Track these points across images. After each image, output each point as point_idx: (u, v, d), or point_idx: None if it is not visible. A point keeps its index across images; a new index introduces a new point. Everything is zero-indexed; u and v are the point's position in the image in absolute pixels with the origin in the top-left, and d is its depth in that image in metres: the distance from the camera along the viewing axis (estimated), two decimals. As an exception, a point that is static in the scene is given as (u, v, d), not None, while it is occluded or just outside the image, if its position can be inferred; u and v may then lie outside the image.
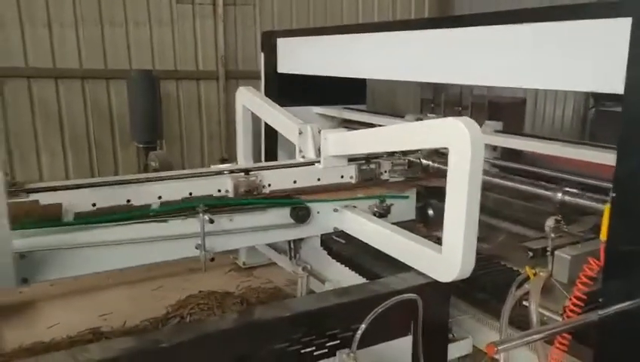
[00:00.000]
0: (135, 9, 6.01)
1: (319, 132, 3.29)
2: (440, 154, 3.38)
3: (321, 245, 3.17)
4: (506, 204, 3.20)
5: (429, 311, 2.22)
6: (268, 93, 4.46)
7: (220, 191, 2.90)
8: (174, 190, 2.80)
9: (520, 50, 2.40)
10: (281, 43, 4.49)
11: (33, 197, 2.48)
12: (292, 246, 3.36)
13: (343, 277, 2.99)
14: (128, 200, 2.69)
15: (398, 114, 4.47)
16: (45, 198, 2.51)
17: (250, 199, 2.89)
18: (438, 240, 2.37)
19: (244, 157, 4.20)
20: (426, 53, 2.98)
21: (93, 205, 2.61)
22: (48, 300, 3.73)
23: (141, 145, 5.66)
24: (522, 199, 3.12)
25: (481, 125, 2.34)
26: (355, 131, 3.34)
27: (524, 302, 2.22)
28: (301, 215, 2.91)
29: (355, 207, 3.04)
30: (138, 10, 6.02)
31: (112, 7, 5.89)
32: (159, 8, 6.14)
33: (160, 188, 2.78)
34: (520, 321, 2.28)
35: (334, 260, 3.08)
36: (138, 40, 6.07)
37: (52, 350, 3.01)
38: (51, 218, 2.47)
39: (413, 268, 2.45)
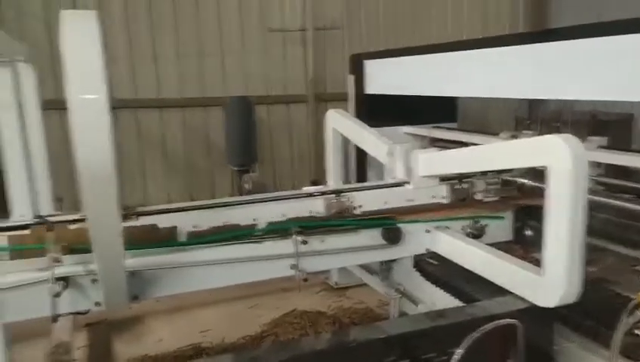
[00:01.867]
0: (229, 39, 6.36)
1: (409, 152, 3.27)
2: (536, 172, 3.25)
3: (414, 266, 3.13)
4: (613, 224, 2.99)
5: (529, 337, 2.12)
6: (357, 115, 4.51)
7: (311, 212, 2.96)
8: (269, 212, 2.90)
9: (628, 61, 2.26)
10: (369, 64, 4.54)
11: (142, 219, 2.67)
12: (384, 267, 3.34)
13: (437, 299, 2.93)
14: (225, 222, 2.82)
15: (490, 132, 4.35)
16: (151, 220, 2.69)
17: (342, 220, 2.93)
18: (537, 263, 2.27)
19: (333, 178, 4.25)
20: (522, 68, 2.89)
21: (194, 227, 2.76)
22: (154, 316, 3.96)
23: (236, 168, 5.92)
24: (631, 219, 2.91)
25: (583, 142, 2.22)
26: (448, 151, 3.28)
27: (637, 331, 2.06)
28: (393, 236, 2.89)
29: (447, 227, 2.99)
30: (232, 40, 6.37)
31: (208, 40, 6.28)
32: (251, 37, 6.45)
33: (256, 210, 2.88)
34: (632, 351, 2.11)
35: (428, 282, 3.03)
36: (232, 68, 6.40)
37: (158, 363, 3.20)
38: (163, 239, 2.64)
39: (511, 292, 2.36)
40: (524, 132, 4.13)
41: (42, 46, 5.50)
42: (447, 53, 3.51)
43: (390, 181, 3.33)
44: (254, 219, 2.86)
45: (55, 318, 2.33)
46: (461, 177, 3.23)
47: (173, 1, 6.12)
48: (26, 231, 2.50)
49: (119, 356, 3.41)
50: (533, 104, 6.00)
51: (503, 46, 3.09)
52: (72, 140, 1.64)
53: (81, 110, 1.63)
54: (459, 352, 1.95)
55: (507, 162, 2.60)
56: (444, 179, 3.17)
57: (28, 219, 2.73)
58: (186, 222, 2.75)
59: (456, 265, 2.79)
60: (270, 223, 2.82)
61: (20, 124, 2.76)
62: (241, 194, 5.59)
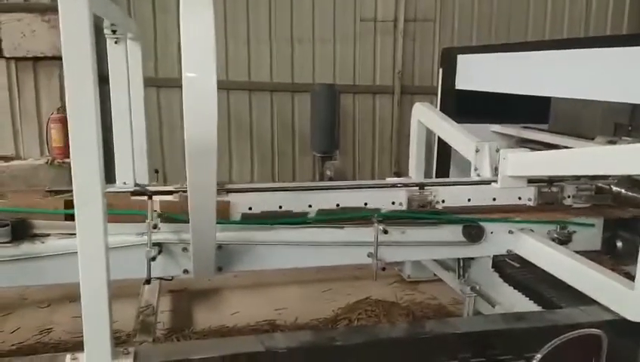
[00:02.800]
0: (322, 27, 6.44)
1: (497, 151, 3.21)
2: (635, 181, 3.08)
3: (493, 267, 3.07)
4: None
5: (614, 351, 2.04)
6: (444, 109, 4.45)
7: (393, 203, 2.99)
8: (351, 199, 2.95)
9: None
10: (462, 59, 4.46)
11: (231, 196, 2.81)
12: (461, 264, 3.30)
13: (515, 302, 2.86)
14: (310, 206, 2.90)
15: (584, 135, 4.15)
16: (239, 198, 2.83)
17: (424, 213, 2.93)
18: (627, 276, 2.17)
19: (416, 171, 4.24)
20: (628, 71, 2.75)
21: (280, 207, 2.87)
22: (232, 289, 4.14)
23: (319, 155, 6.02)
24: None
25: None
26: (539, 152, 3.19)
27: None
28: (474, 234, 2.86)
29: (532, 230, 2.91)
30: (325, 28, 6.45)
31: (301, 26, 6.39)
32: (344, 26, 6.50)
33: (338, 196, 2.95)
34: None
35: (506, 284, 2.97)
36: (322, 56, 6.49)
37: (235, 334, 3.36)
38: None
39: (596, 302, 2.28)
40: (624, 138, 3.92)
41: (147, 25, 5.84)
42: (547, 51, 3.39)
43: (475, 178, 3.29)
44: (337, 205, 2.93)
45: (148, 280, 2.51)
46: (551, 180, 3.13)
47: (271, -15, 6.28)
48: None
49: (198, 323, 3.60)
50: (636, 110, 5.64)
51: (608, 47, 2.94)
52: (184, 114, 1.75)
53: (194, 87, 1.74)
54: (537, 357, 1.91)
55: (604, 168, 2.49)
56: (531, 180, 3.10)
57: (129, 186, 2.96)
58: (271, 202, 2.87)
59: (537, 269, 2.72)
60: (354, 209, 2.87)
61: (127, 98, 2.97)
62: (322, 181, 5.69)
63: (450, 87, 4.56)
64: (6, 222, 2.46)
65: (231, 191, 2.87)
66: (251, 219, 2.79)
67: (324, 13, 6.42)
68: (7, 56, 5.57)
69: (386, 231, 2.71)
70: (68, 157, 5.64)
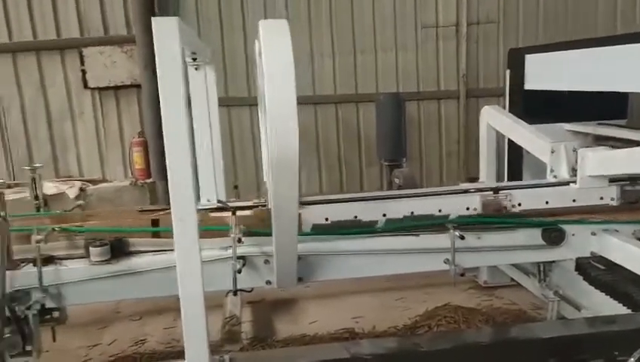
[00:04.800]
0: (384, 36, 6.51)
1: (574, 150, 3.14)
2: None
3: (576, 270, 3.00)
4: None
5: None
6: (513, 111, 4.38)
7: (468, 209, 2.98)
8: (424, 206, 2.98)
9: None
10: (530, 59, 4.38)
11: (306, 208, 2.91)
12: (542, 268, 3.24)
13: (603, 305, 2.78)
14: (384, 214, 2.95)
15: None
16: (314, 210, 2.92)
17: (500, 218, 2.91)
18: None
19: (487, 176, 4.19)
20: None
21: (355, 217, 2.94)
22: (308, 299, 4.24)
23: (386, 163, 6.06)
24: None
25: None
26: (621, 149, 3.08)
27: None
28: (554, 237, 2.81)
29: (616, 231, 2.82)
30: (386, 37, 6.50)
31: (363, 37, 6.48)
32: (405, 34, 6.53)
33: (411, 204, 2.98)
34: None
35: (592, 287, 2.89)
36: (385, 65, 6.54)
37: (317, 343, 3.44)
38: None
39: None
40: None
41: (216, 47, 6.12)
42: (623, 45, 3.28)
43: (552, 180, 3.23)
44: (411, 213, 2.96)
45: (235, 292, 2.64)
46: (634, 178, 3.03)
47: (330, 0, 6.41)
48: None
49: (279, 333, 3.72)
50: None
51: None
52: (267, 132, 1.86)
53: (276, 108, 1.85)
54: (631, 361, 1.87)
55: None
56: (612, 179, 3.00)
57: (213, 203, 3.13)
58: (346, 213, 2.94)
59: (624, 270, 2.63)
60: (427, 217, 2.90)
61: (207, 120, 3.14)
62: (390, 190, 5.71)
63: (518, 88, 4.49)
64: (105, 241, 2.66)
65: (306, 204, 2.97)
66: (328, 230, 2.87)
67: (385, 22, 6.48)
68: (92, 86, 5.99)
69: (462, 237, 2.71)
70: (149, 178, 6.01)
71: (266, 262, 2.70)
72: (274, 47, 1.85)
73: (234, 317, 3.59)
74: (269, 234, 2.33)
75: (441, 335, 2.60)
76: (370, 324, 3.75)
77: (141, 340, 3.69)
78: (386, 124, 5.93)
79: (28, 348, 2.55)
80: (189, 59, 2.94)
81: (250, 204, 3.05)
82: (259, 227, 2.79)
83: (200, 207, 2.98)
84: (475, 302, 4.01)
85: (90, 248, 2.63)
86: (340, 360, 1.97)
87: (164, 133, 1.91)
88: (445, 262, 2.77)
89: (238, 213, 2.84)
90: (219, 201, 3.14)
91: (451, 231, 2.73)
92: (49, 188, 5.54)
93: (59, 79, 6.03)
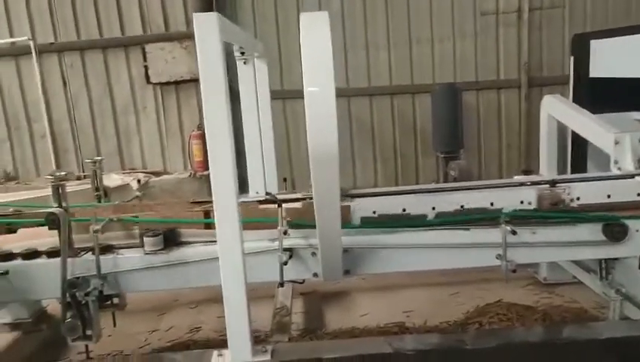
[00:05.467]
0: (440, 26, 6.36)
1: (640, 141, 2.95)
2: None
3: (640, 268, 2.82)
4: None
5: None
6: (577, 100, 4.16)
7: (522, 202, 2.86)
8: (476, 200, 2.88)
9: None
10: (596, 45, 4.14)
11: (355, 201, 2.89)
12: (603, 265, 3.07)
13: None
14: (433, 208, 2.88)
15: None
16: (362, 203, 2.89)
17: (556, 212, 2.77)
18: None
19: (547, 168, 4.01)
20: None
21: (404, 210, 2.89)
22: (360, 292, 4.23)
23: (442, 155, 5.93)
24: None
25: None
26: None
27: None
28: (616, 232, 2.65)
29: (687, 228, 2.62)
30: (443, 26, 6.35)
31: (419, 26, 6.36)
32: (463, 22, 6.35)
33: (462, 197, 2.89)
34: None
35: (657, 286, 2.71)
36: (442, 54, 6.39)
37: (365, 336, 3.43)
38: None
39: None
40: None
41: (272, 43, 6.19)
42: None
43: (616, 172, 3.05)
44: (462, 206, 2.88)
45: (282, 284, 2.66)
46: None
47: (386, -10, 6.33)
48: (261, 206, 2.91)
49: (330, 325, 3.73)
50: None
51: None
52: (307, 125, 1.86)
53: (315, 101, 1.85)
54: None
55: None
56: (683, 172, 2.80)
57: (261, 195, 3.17)
58: (394, 206, 2.89)
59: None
60: (478, 210, 2.81)
61: (256, 112, 3.19)
62: (446, 182, 5.59)
63: (583, 76, 4.26)
64: (159, 231, 2.76)
65: (354, 196, 2.95)
66: (375, 223, 2.84)
67: (443, 10, 6.32)
68: (154, 82, 6.22)
69: (514, 232, 2.61)
70: (207, 170, 6.15)
71: (313, 254, 2.70)
72: (313, 40, 1.85)
73: (284, 308, 3.64)
74: (315, 227, 2.33)
75: (488, 333, 2.52)
76: (421, 319, 3.69)
77: (196, 328, 3.80)
78: (442, 114, 5.80)
79: (88, 332, 2.68)
80: (237, 54, 2.99)
81: (298, 196, 3.07)
82: (307, 219, 2.79)
83: (247, 199, 3.03)
84: (533, 299, 3.86)
85: (144, 238, 2.74)
86: (382, 355, 1.96)
87: (205, 126, 1.95)
88: (497, 258, 2.68)
89: (287, 205, 2.86)
90: (267, 194, 3.18)
91: (503, 225, 2.63)
92: (115, 179, 5.80)
93: (123, 75, 6.31)
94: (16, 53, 6.22)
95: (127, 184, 5.66)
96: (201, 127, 6.16)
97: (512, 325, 3.18)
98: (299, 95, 6.10)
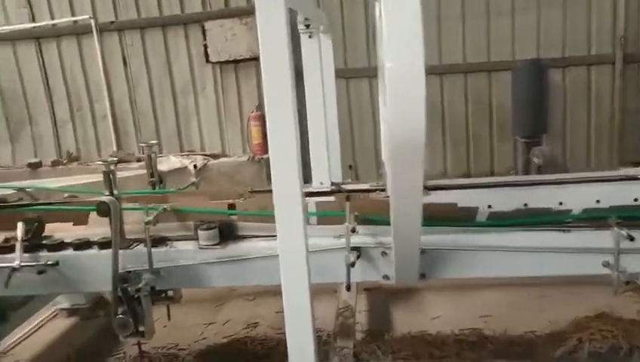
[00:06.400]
0: (524, -5, 5.76)
1: None
2: None
3: None
4: None
5: None
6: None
7: (636, 200, 2.41)
8: (577, 196, 2.46)
9: None
10: None
11: (435, 194, 2.53)
12: None
13: None
14: (525, 204, 2.48)
15: None
16: (441, 197, 2.53)
17: (682, 213, 2.30)
18: None
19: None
20: None
21: (489, 207, 2.50)
22: (431, 290, 3.87)
23: (522, 140, 5.39)
24: None
25: None
26: None
27: None
28: None
29: None
30: (527, -5, 5.75)
31: (498, -4, 5.79)
32: (550, -10, 5.72)
33: (560, 193, 2.48)
34: None
35: None
36: (523, 27, 5.80)
37: (438, 344, 3.08)
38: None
39: None
40: None
41: (335, 17, 5.82)
42: None
43: None
44: (560, 203, 2.46)
45: (348, 287, 2.36)
46: None
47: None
48: (327, 198, 2.61)
49: (397, 327, 3.41)
50: None
51: None
52: (387, 108, 1.53)
53: (399, 78, 1.51)
54: None
55: None
56: None
57: (326, 186, 2.86)
58: (478, 201, 2.51)
59: None
60: (585, 210, 2.38)
61: (321, 93, 2.86)
62: (527, 170, 5.08)
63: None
64: (214, 224, 2.52)
65: (429, 189, 2.59)
66: (457, 220, 2.48)
67: (526, -23, 5.72)
68: (213, 60, 6.02)
69: (631, 238, 2.17)
70: (266, 153, 5.92)
71: (384, 254, 2.39)
72: (398, 6, 1.48)
73: (348, 308, 3.34)
74: (388, 223, 2.02)
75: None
76: (500, 325, 3.29)
77: (253, 323, 3.58)
78: (524, 95, 5.24)
79: (140, 328, 2.51)
80: (301, 26, 2.67)
81: (366, 187, 2.75)
82: (376, 214, 2.48)
83: (311, 190, 2.73)
84: (634, 309, 3.37)
85: (199, 231, 2.51)
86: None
87: (266, 108, 1.69)
88: (605, 266, 2.25)
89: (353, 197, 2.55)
90: (332, 184, 2.87)
91: (614, 228, 2.20)
92: (174, 162, 5.69)
93: (182, 54, 6.15)
94: (78, 32, 6.18)
95: (185, 167, 5.53)
96: (260, 108, 5.92)
97: (617, 344, 2.73)
98: (362, 73, 5.76)
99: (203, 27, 5.94)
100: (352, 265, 2.32)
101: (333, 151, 3.18)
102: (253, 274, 2.49)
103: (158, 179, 3.11)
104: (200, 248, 2.50)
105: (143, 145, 3.10)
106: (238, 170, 5.74)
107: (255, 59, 5.73)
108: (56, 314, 3.93)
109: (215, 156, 6.05)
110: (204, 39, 5.98)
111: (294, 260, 1.94)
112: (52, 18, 6.14)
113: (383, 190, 2.65)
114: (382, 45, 1.55)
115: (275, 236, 2.48)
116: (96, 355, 3.37)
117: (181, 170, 5.46)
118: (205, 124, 6.26)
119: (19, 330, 3.62)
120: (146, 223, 2.42)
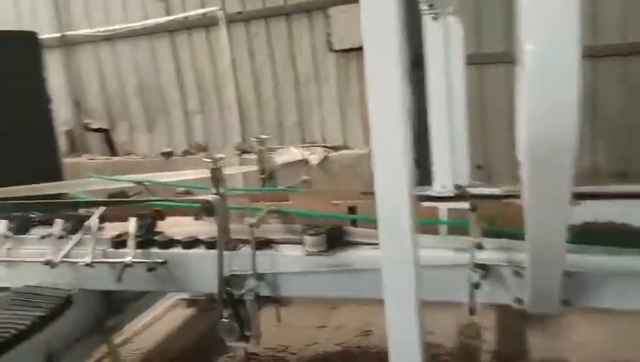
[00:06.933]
0: None
1: None
2: None
3: None
4: None
5: None
6: None
7: None
8: None
9: None
10: None
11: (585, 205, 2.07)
12: None
13: None
14: None
15: None
16: (587, 207, 2.07)
17: None
18: None
19: None
20: None
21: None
22: (577, 310, 3.31)
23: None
24: None
25: None
26: None
27: None
28: None
29: None
30: None
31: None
32: None
33: None
34: None
35: None
36: None
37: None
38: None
39: None
40: None
41: (466, -2, 5.28)
42: None
43: None
44: None
45: (472, 311, 2.01)
46: None
47: None
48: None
49: (532, 351, 2.95)
50: None
51: None
52: (526, 99, 1.19)
53: (543, 63, 1.14)
54: None
55: None
56: None
57: (448, 190, 2.49)
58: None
59: None
60: None
61: (446, 84, 2.50)
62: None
63: None
64: (322, 229, 2.32)
65: (582, 197, 2.13)
66: (610, 236, 2.02)
67: None
68: (336, 49, 5.82)
69: None
70: (389, 146, 5.62)
71: (516, 274, 2.03)
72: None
73: (472, 326, 2.95)
74: (523, 237, 1.72)
75: None
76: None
77: (366, 331, 3.34)
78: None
79: (246, 333, 2.40)
80: (423, 6, 2.32)
81: (497, 192, 2.34)
82: (509, 225, 2.10)
83: (429, 194, 2.38)
84: None
85: (304, 236, 2.32)
86: None
87: (368, 95, 1.54)
88: None
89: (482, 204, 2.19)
90: (456, 187, 2.49)
91: None
92: (294, 153, 5.61)
93: (305, 43, 6.03)
94: (207, 24, 6.32)
95: (305, 159, 5.42)
96: (383, 97, 5.60)
97: None
98: (498, 59, 5.12)
99: (327, 14, 5.76)
100: (476, 286, 1.97)
101: (459, 148, 2.79)
102: (362, 286, 2.26)
103: (268, 175, 2.97)
104: (306, 254, 2.31)
105: (254, 139, 2.98)
106: (359, 163, 5.49)
107: (380, 46, 5.43)
108: (177, 304, 4.02)
109: (336, 148, 5.87)
110: (328, 27, 5.80)
111: (399, 275, 1.72)
112: (184, 11, 6.35)
113: (519, 196, 2.24)
114: (522, 23, 1.19)
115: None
116: (209, 350, 3.37)
117: (301, 162, 5.37)
118: (327, 114, 6.09)
119: (141, 318, 3.74)
120: (250, 226, 2.28)
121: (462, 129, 2.82)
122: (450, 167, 2.49)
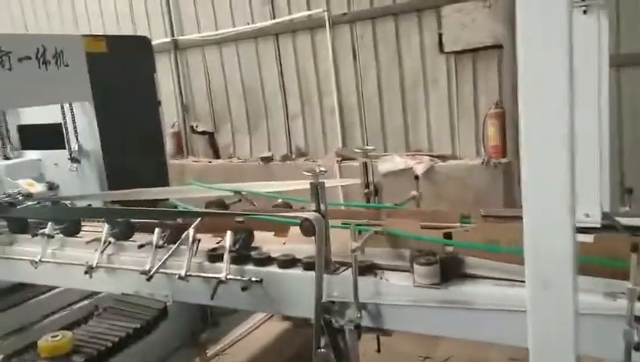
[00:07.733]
0: None
1: None
2: None
3: None
4: None
5: None
6: None
7: None
8: None
9: None
10: None
11: None
12: None
13: None
14: None
15: None
16: None
17: None
18: None
19: None
20: None
21: None
22: None
23: None
24: None
25: None
26: None
27: None
28: None
29: None
30: None
31: None
32: None
33: None
34: None
35: None
36: None
37: None
38: None
39: None
40: None
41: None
42: None
43: None
44: None
45: (626, 370, 1.60)
46: None
47: None
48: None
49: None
50: None
51: None
52: None
53: None
54: None
55: None
56: None
57: (594, 219, 2.07)
58: None
59: None
60: None
61: (596, 87, 2.08)
62: None
63: None
64: (435, 258, 2.01)
65: None
66: None
67: None
68: (448, 50, 5.42)
69: None
70: (504, 157, 5.14)
71: (687, 334, 1.58)
72: None
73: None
74: None
75: None
76: None
77: (476, 369, 2.97)
78: None
79: (343, 365, 2.17)
80: (575, -2, 1.94)
81: (657, 223, 1.90)
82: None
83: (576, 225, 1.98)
84: None
85: (415, 265, 2.02)
86: None
87: (520, 100, 1.39)
88: None
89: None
90: (604, 216, 2.06)
91: None
92: (398, 162, 5.30)
93: (414, 44, 5.67)
94: (312, 26, 6.17)
95: (410, 168, 5.08)
96: (500, 104, 5.12)
97: None
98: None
99: (438, 14, 5.38)
100: (637, 348, 1.56)
101: (602, 168, 2.35)
102: (479, 328, 1.93)
103: (373, 190, 2.69)
104: (415, 285, 2.01)
105: (358, 150, 2.71)
106: (469, 174, 5.05)
107: (498, 47, 4.94)
108: (271, 316, 3.88)
109: (444, 158, 5.46)
110: (439, 27, 5.41)
111: (553, 323, 1.48)
112: (289, 13, 6.26)
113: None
114: None
115: (518, 281, 1.91)
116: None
117: (405, 172, 5.03)
118: (435, 121, 5.68)
119: (237, 330, 3.63)
120: (353, 251, 2.02)
121: (605, 144, 2.38)
122: (597, 192, 2.07)
